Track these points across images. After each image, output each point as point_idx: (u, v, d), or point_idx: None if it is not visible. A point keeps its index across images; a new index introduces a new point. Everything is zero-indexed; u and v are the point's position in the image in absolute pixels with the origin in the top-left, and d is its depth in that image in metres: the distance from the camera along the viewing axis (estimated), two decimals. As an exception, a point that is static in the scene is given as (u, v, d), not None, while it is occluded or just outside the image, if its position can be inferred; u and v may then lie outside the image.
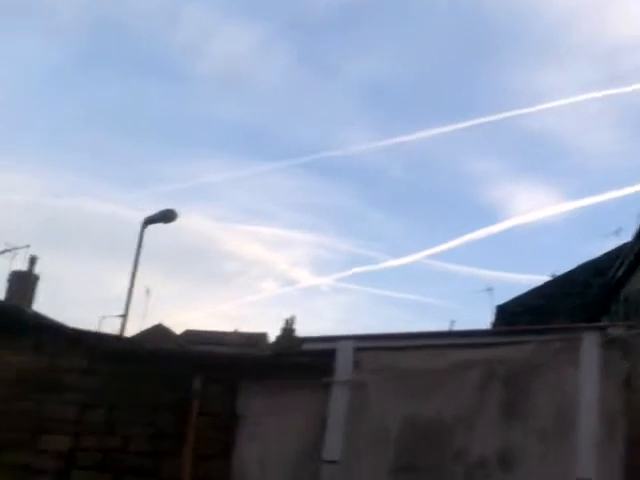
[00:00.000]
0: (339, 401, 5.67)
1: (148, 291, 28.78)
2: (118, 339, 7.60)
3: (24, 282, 18.96)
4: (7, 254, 19.08)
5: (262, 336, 30.54)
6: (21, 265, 19.34)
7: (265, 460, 5.61)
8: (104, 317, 24.43)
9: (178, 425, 5.61)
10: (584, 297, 14.79)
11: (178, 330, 32.32)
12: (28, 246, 19.30)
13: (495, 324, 15.71)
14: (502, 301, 16.11)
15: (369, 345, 5.88)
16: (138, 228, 16.06)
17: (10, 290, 18.73)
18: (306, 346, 6.05)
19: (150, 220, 16.26)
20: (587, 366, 5.45)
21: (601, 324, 6.84)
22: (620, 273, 12.59)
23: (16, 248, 19.20)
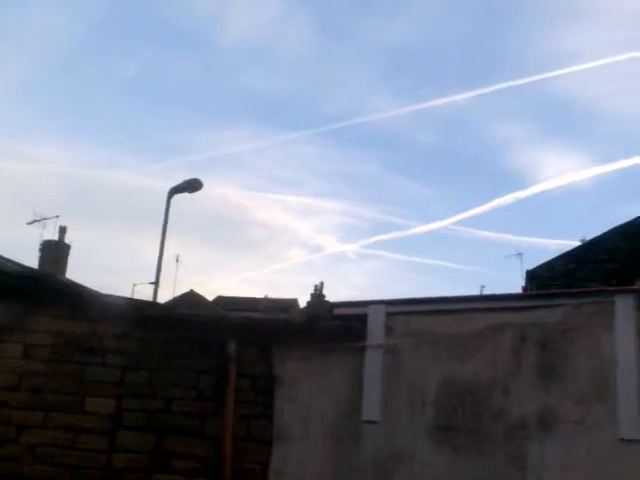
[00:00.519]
0: (374, 364, 5.75)
1: (178, 259, 29.10)
2: (153, 305, 7.74)
3: (56, 251, 19.26)
4: (37, 224, 19.35)
5: (293, 302, 30.80)
6: (51, 235, 19.63)
7: (306, 420, 5.74)
8: (136, 284, 24.84)
9: (217, 387, 5.74)
10: (615, 262, 14.63)
11: (210, 297, 32.74)
12: (57, 216, 19.56)
13: (526, 289, 15.66)
14: (532, 266, 16.04)
15: (401, 310, 5.92)
16: (165, 198, 16.25)
17: (42, 259, 19.05)
18: (337, 311, 6.11)
19: (175, 190, 16.42)
20: (622, 329, 5.45)
21: (635, 287, 6.78)
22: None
23: (45, 218, 19.46)
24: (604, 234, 15.91)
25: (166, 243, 15.93)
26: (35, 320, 5.97)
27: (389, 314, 5.87)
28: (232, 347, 5.78)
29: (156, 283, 15.85)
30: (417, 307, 5.94)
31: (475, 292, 16.58)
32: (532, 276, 15.60)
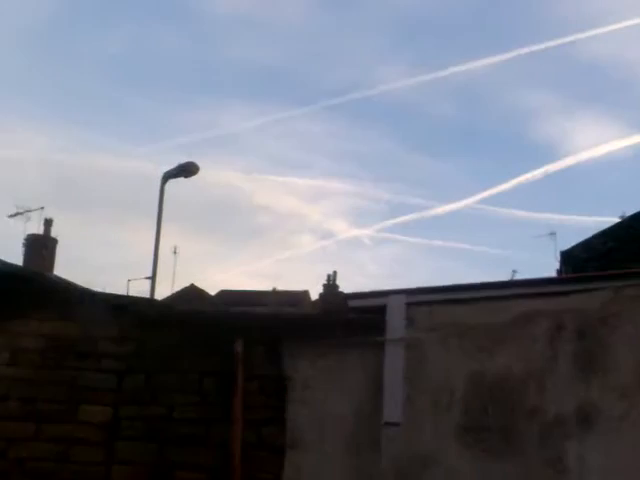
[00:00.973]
0: (394, 361, 5.75)
1: (175, 251, 29.22)
2: (150, 303, 7.78)
3: (42, 246, 19.35)
4: (20, 217, 19.39)
5: (304, 294, 30.88)
6: (36, 228, 19.71)
7: (321, 424, 5.75)
8: (131, 280, 24.97)
9: (223, 391, 5.76)
10: (659, 239, 14.53)
11: (212, 291, 32.89)
12: (42, 208, 19.61)
13: (561, 272, 15.60)
14: (567, 246, 15.98)
15: (422, 299, 5.92)
16: (158, 184, 16.28)
17: (27, 255, 19.14)
18: (352, 303, 6.12)
19: (169, 175, 16.45)
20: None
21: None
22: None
23: (29, 210, 19.51)
24: (646, 209, 15.80)
25: (162, 233, 16.01)
26: (22, 323, 6.01)
27: (410, 305, 5.87)
28: (238, 346, 5.80)
29: (153, 278, 15.95)
30: (441, 296, 5.94)
31: (505, 277, 16.58)
32: (567, 258, 15.54)
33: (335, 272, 26.56)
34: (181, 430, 5.76)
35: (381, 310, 5.88)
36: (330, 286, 25.77)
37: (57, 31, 45.97)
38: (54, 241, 19.84)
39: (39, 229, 19.65)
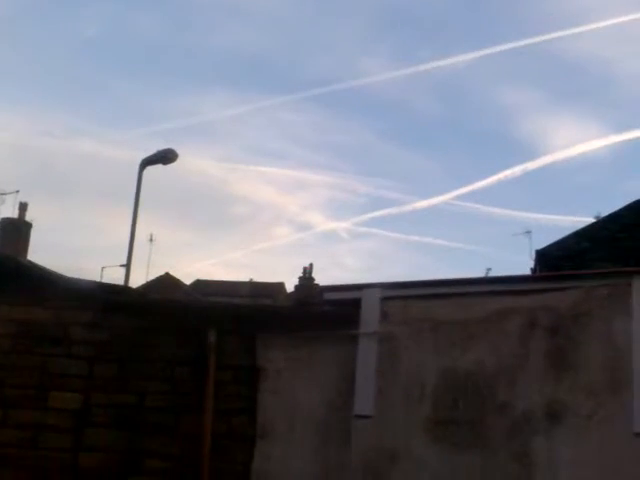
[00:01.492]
0: (367, 354, 5.78)
1: (151, 238, 29.11)
2: (125, 290, 7.74)
3: (16, 230, 19.18)
4: (-6, 200, 19.22)
5: (279, 286, 30.90)
6: (10, 212, 19.54)
7: (292, 415, 5.77)
8: (105, 267, 24.82)
9: (195, 380, 5.76)
10: (632, 240, 14.72)
11: (187, 280, 32.82)
12: (17, 191, 19.46)
13: (535, 270, 15.75)
14: (542, 245, 16.12)
15: (397, 294, 5.95)
16: (137, 170, 16.18)
17: (1, 239, 18.96)
18: (328, 296, 6.15)
19: (148, 161, 16.35)
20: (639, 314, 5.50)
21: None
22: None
23: (3, 194, 19.35)
24: (620, 210, 15.99)
25: (138, 221, 15.93)
26: (-8, 307, 5.95)
27: (385, 299, 5.90)
28: (212, 336, 5.80)
29: (127, 266, 15.86)
30: (415, 291, 5.96)
31: (480, 274, 16.70)
32: (542, 256, 15.69)
33: (311, 265, 26.59)
34: (151, 418, 5.75)
35: (356, 303, 5.91)
36: (306, 278, 25.79)
37: (33, 12, 45.39)
38: (28, 225, 19.66)
39: (14, 213, 19.49)
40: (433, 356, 5.73)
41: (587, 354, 5.54)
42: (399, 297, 5.92)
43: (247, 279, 31.81)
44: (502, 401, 5.57)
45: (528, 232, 19.46)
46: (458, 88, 47.21)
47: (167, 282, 29.69)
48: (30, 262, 7.30)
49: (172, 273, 31.81)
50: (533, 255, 16.39)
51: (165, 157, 16.47)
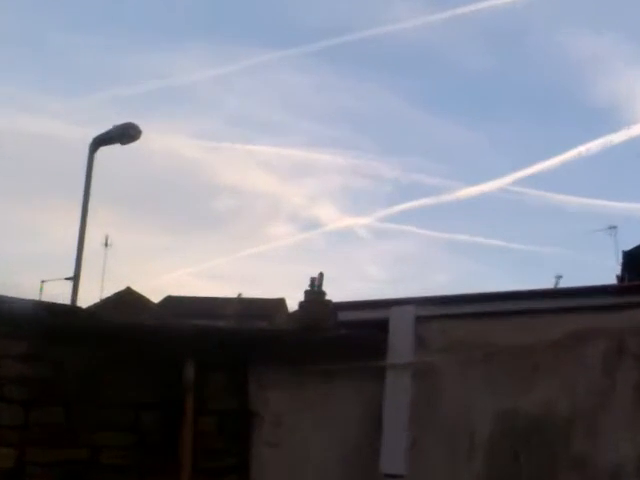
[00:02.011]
0: (398, 392, 5.84)
1: (107, 242, 29.24)
2: (72, 311, 7.77)
3: None
4: None
5: (279, 303, 30.99)
6: None
7: (298, 475, 5.81)
8: (45, 281, 24.96)
9: (168, 429, 5.80)
10: None
11: (155, 297, 32.96)
12: None
13: (623, 278, 15.73)
14: (631, 245, 16.14)
15: (437, 313, 6.01)
16: (86, 152, 16.23)
17: None
18: (344, 316, 6.20)
19: (101, 140, 16.42)
20: None
21: None
22: None
23: None
24: None
25: (89, 219, 15.97)
26: None
27: (420, 319, 5.95)
28: (189, 371, 5.84)
29: (75, 278, 15.92)
30: (462, 308, 6.03)
31: (548, 285, 16.70)
32: (631, 259, 15.69)
33: (321, 274, 26.60)
34: (107, 480, 5.78)
35: (382, 326, 5.95)
36: (314, 293, 25.82)
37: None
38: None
39: None
40: (486, 395, 5.77)
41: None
42: (440, 317, 5.97)
43: (235, 294, 31.79)
44: (579, 453, 5.61)
45: (612, 227, 19.50)
46: (514, 35, 47.06)
47: (128, 299, 29.83)
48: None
49: (134, 287, 32.00)
50: (620, 258, 16.41)
51: (124, 134, 16.53)
